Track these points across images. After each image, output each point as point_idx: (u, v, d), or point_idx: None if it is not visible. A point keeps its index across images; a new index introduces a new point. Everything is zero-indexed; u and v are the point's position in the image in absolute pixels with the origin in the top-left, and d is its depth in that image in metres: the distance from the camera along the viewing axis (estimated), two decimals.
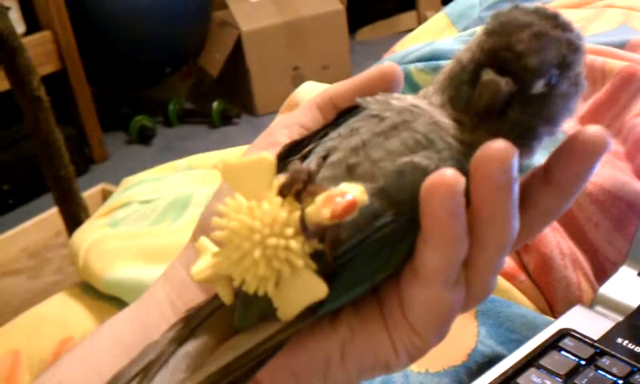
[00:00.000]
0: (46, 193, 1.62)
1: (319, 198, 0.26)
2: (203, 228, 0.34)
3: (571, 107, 0.30)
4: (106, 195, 1.83)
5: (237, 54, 2.48)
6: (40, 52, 2.07)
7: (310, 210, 0.26)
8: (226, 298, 0.29)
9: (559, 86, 0.29)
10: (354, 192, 0.26)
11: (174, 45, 2.40)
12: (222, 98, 2.50)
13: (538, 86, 0.29)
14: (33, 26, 2.15)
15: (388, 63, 0.35)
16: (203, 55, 2.60)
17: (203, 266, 0.29)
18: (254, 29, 2.45)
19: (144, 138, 2.45)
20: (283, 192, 0.27)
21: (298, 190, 0.27)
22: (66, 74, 2.20)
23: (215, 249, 0.29)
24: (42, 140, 1.33)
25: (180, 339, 0.29)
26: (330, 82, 0.36)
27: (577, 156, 0.29)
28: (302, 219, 0.26)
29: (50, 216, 1.83)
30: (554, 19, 0.29)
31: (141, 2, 2.27)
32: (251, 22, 2.46)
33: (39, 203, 2.05)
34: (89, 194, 1.83)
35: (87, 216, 1.37)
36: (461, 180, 0.26)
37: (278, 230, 0.26)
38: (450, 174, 0.26)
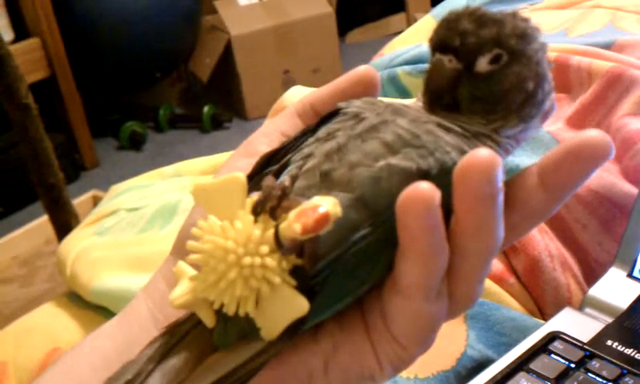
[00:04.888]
0: (36, 201, 1.62)
1: (291, 214, 0.26)
2: (182, 242, 0.34)
3: (528, 88, 0.30)
4: (96, 202, 1.83)
5: (227, 58, 2.48)
6: (29, 59, 2.06)
7: (283, 225, 0.26)
8: (208, 320, 0.28)
9: (510, 67, 0.30)
10: (326, 205, 0.25)
11: (163, 50, 2.39)
12: (213, 103, 2.49)
13: (482, 63, 0.30)
14: (21, 33, 2.14)
15: (365, 67, 0.35)
16: (193, 60, 2.59)
17: (182, 291, 0.28)
18: (244, 33, 2.45)
19: (135, 143, 2.44)
20: (257, 210, 0.27)
21: (272, 207, 0.27)
22: (56, 80, 2.19)
23: (193, 272, 0.28)
24: (31, 148, 1.32)
25: (158, 357, 0.28)
26: (321, 85, 0.36)
27: (577, 160, 0.28)
28: (277, 235, 0.26)
29: (41, 224, 1.82)
30: (502, 14, 0.31)
31: (130, 8, 2.26)
32: (241, 26, 2.45)
33: (30, 211, 2.04)
34: (79, 201, 1.82)
35: (78, 223, 1.36)
36: (436, 194, 0.25)
37: (252, 249, 0.26)
38: (424, 188, 0.25)
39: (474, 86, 0.30)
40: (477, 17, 0.30)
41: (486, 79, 0.30)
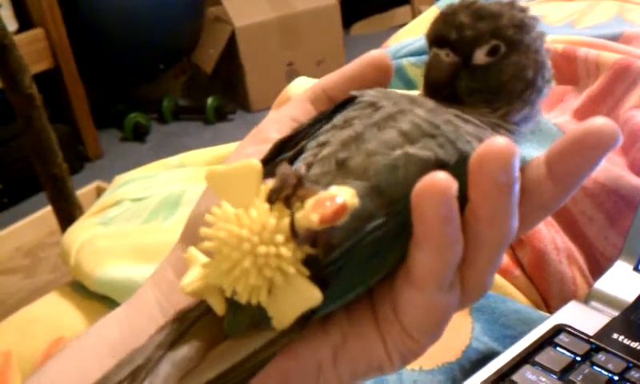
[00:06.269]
0: (40, 191, 1.62)
1: (308, 203, 0.25)
2: (191, 229, 0.33)
3: (527, 76, 0.30)
4: (100, 193, 1.82)
5: (231, 49, 2.47)
6: (33, 50, 2.07)
7: (300, 215, 0.25)
8: (218, 308, 0.28)
9: (509, 57, 0.30)
10: (344, 195, 0.25)
11: (167, 41, 2.39)
12: (217, 95, 2.49)
13: (480, 56, 0.30)
14: (25, 23, 2.14)
15: (378, 51, 0.34)
16: (197, 51, 2.59)
17: (193, 277, 0.28)
18: (248, 24, 2.44)
19: (138, 135, 2.44)
20: (272, 198, 0.26)
21: (287, 195, 0.26)
22: (60, 71, 2.19)
23: (204, 259, 0.28)
24: (35, 138, 1.32)
25: (168, 344, 0.28)
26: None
27: (583, 148, 0.27)
28: (292, 225, 0.26)
29: (45, 215, 1.82)
30: (499, 3, 0.31)
31: None
32: (245, 18, 2.45)
33: (34, 202, 2.04)
34: (83, 192, 1.82)
35: (81, 214, 1.36)
36: (453, 184, 0.25)
37: (267, 238, 0.26)
38: (441, 177, 0.25)
39: (473, 78, 0.30)
40: (473, 10, 0.30)
41: (485, 71, 0.30)
